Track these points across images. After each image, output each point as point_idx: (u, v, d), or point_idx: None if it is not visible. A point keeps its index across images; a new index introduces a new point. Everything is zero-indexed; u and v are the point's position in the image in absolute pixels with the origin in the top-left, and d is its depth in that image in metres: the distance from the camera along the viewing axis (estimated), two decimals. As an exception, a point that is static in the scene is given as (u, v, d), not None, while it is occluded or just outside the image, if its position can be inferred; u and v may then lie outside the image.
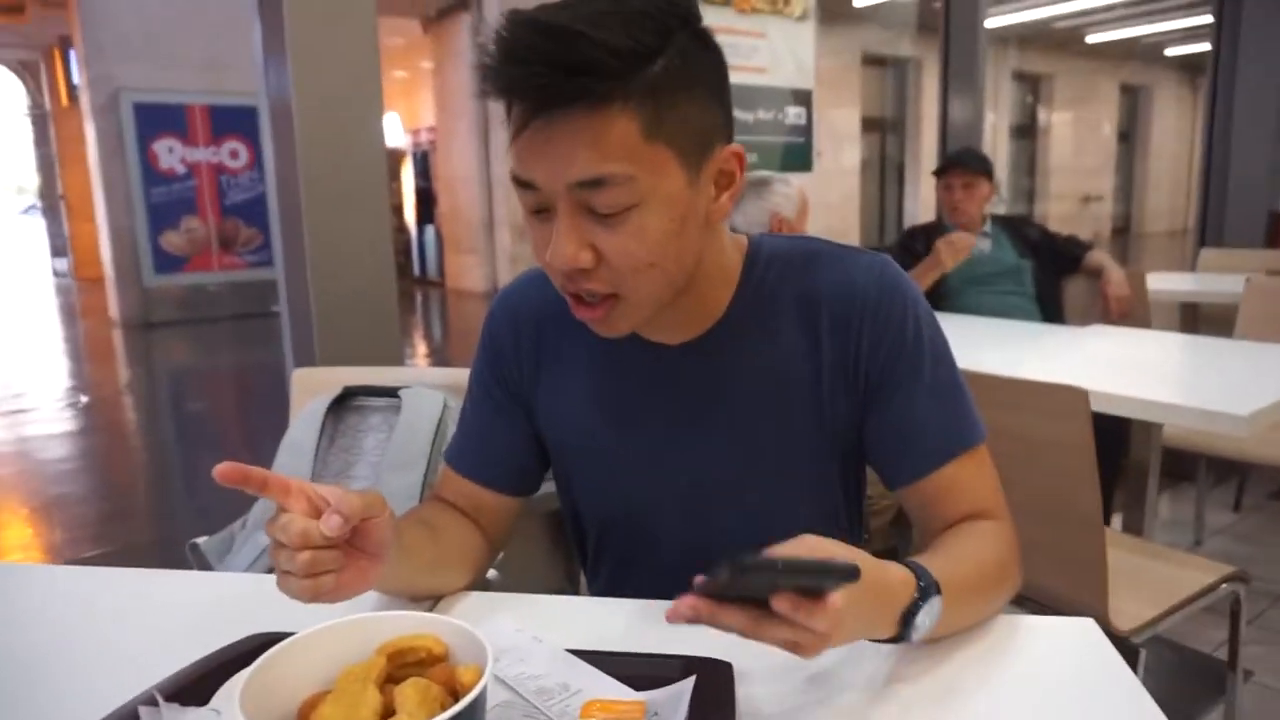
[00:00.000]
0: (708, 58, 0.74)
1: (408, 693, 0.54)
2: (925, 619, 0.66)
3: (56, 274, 13.66)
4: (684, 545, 0.90)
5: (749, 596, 0.56)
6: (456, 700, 0.53)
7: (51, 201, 13.69)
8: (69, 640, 0.82)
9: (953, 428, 0.84)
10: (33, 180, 17.09)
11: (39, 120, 13.61)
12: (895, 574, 0.66)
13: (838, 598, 0.56)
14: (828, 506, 0.91)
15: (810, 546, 0.60)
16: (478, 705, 0.53)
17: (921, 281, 2.73)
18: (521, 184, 0.72)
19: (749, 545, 0.55)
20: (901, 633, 0.65)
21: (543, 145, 0.69)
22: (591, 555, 1.00)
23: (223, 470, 0.61)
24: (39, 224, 15.99)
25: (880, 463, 0.88)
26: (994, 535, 0.82)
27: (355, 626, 0.62)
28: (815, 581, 0.55)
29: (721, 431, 0.86)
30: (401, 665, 0.60)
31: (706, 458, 0.87)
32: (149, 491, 4.18)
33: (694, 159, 0.73)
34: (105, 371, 7.09)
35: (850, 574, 0.55)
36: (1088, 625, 0.78)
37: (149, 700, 0.61)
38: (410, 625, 0.62)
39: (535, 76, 0.66)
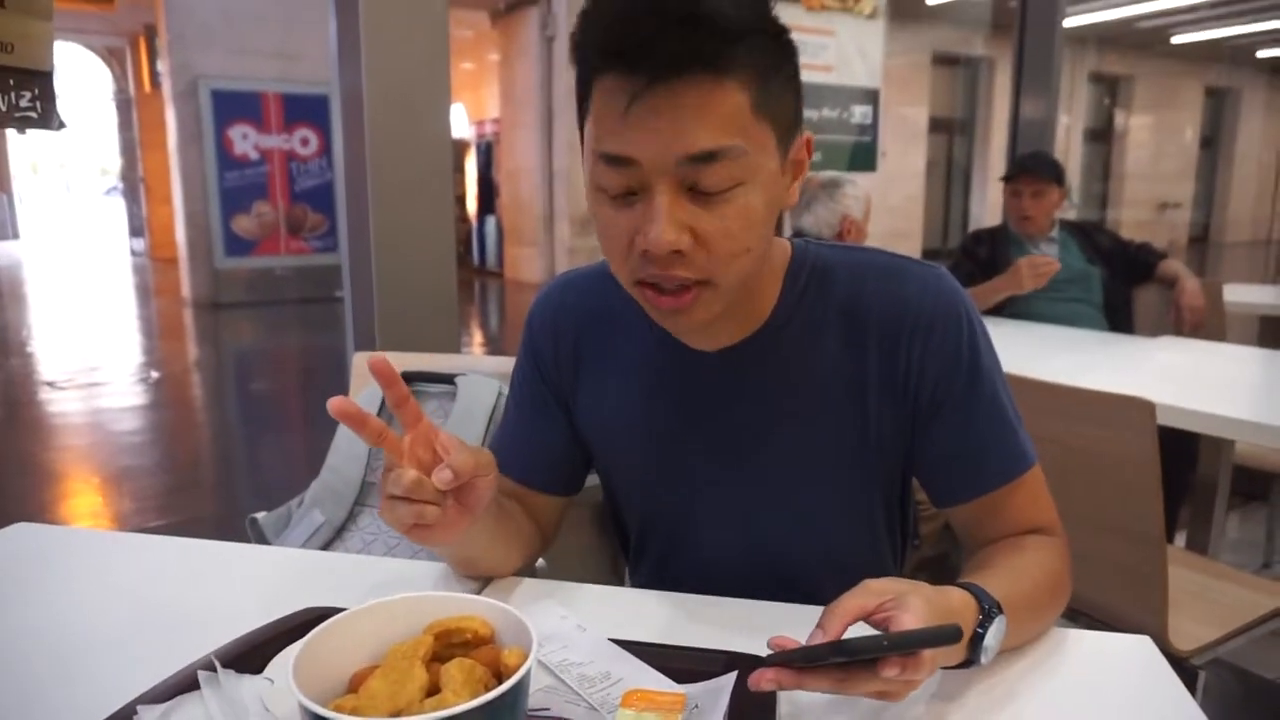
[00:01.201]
0: (790, 42, 0.73)
1: (453, 672, 0.55)
2: (993, 640, 0.64)
3: (134, 254, 14.18)
4: (724, 546, 0.90)
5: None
6: (500, 682, 0.54)
7: (132, 184, 14.20)
8: (133, 604, 0.85)
9: (1006, 453, 0.81)
10: (115, 163, 17.74)
11: (123, 105, 14.12)
12: (957, 599, 0.65)
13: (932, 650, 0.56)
14: (871, 516, 0.89)
15: (877, 591, 0.60)
16: (521, 688, 0.54)
17: (992, 297, 2.68)
18: (617, 161, 0.68)
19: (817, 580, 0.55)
20: (970, 657, 0.64)
21: (651, 117, 0.65)
22: (633, 551, 1.00)
23: (339, 404, 0.63)
24: (120, 205, 16.59)
25: (929, 482, 0.86)
26: (1048, 549, 0.80)
27: (406, 605, 0.63)
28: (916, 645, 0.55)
29: (759, 441, 0.84)
30: (448, 645, 0.61)
31: (743, 467, 0.86)
32: (213, 467, 4.32)
33: (785, 141, 0.72)
34: (176, 349, 7.34)
35: (953, 636, 0.54)
36: (1144, 643, 0.76)
37: (208, 666, 0.63)
38: (458, 607, 0.63)
39: (648, 39, 0.64)
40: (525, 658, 0.55)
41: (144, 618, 0.82)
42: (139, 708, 0.58)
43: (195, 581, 0.91)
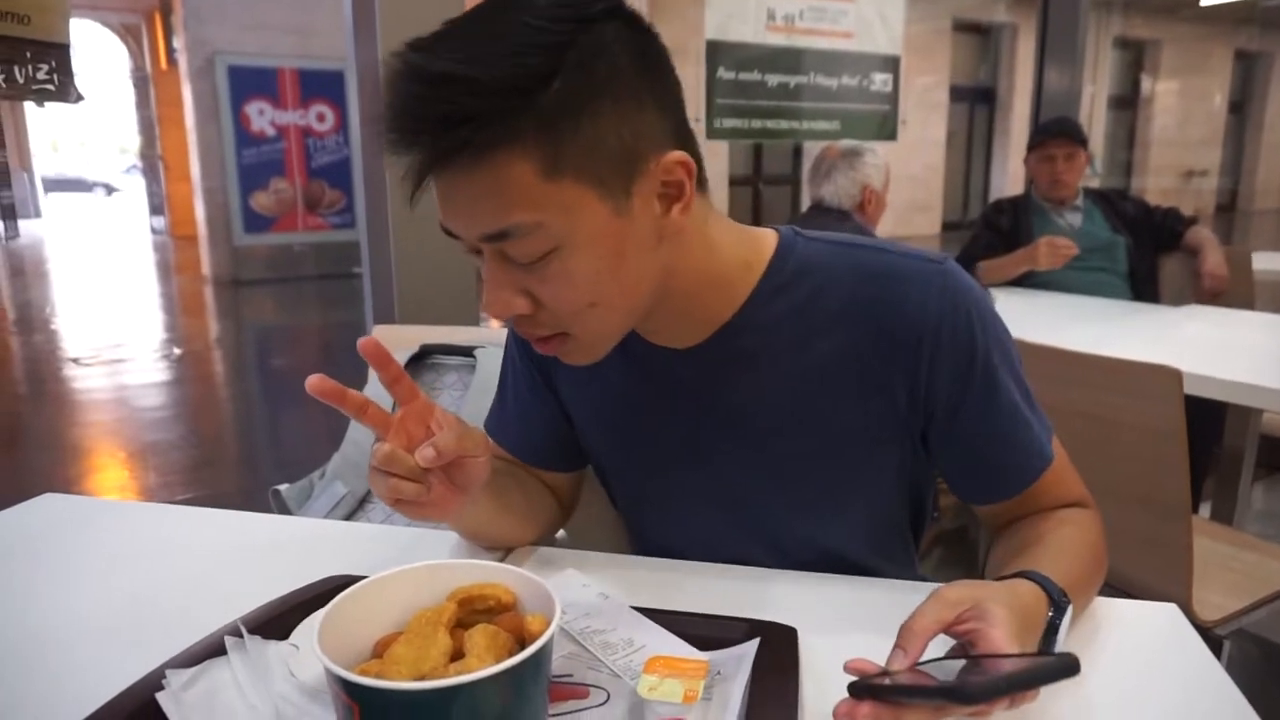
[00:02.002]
0: (627, 56, 0.63)
1: (477, 638, 0.56)
2: (1064, 632, 0.62)
3: (154, 231, 14.29)
4: (723, 531, 0.87)
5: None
6: (523, 648, 0.54)
7: (151, 162, 14.28)
8: (159, 573, 0.87)
9: (1025, 457, 0.79)
10: (134, 141, 17.82)
11: (140, 83, 14.16)
12: (1029, 595, 0.63)
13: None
14: (878, 508, 0.85)
15: (953, 601, 0.58)
16: (544, 654, 0.54)
17: (1011, 270, 2.65)
18: (446, 231, 0.67)
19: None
20: (1043, 649, 0.62)
21: (444, 199, 0.64)
22: (634, 534, 0.99)
23: (316, 382, 0.63)
24: (139, 183, 16.69)
25: (951, 480, 0.83)
26: (1088, 524, 0.79)
27: (429, 572, 0.64)
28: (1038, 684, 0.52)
29: (742, 436, 0.81)
30: (471, 611, 0.61)
31: (729, 462, 0.82)
32: (236, 441, 4.37)
33: (617, 184, 0.64)
34: (197, 326, 7.41)
35: (1072, 669, 0.50)
36: (1172, 611, 0.75)
37: (234, 631, 0.64)
38: (482, 574, 0.63)
39: (413, 134, 0.60)
40: (548, 624, 0.55)
41: (169, 586, 0.83)
42: (167, 672, 0.59)
43: (220, 551, 0.92)
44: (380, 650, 0.59)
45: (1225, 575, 1.53)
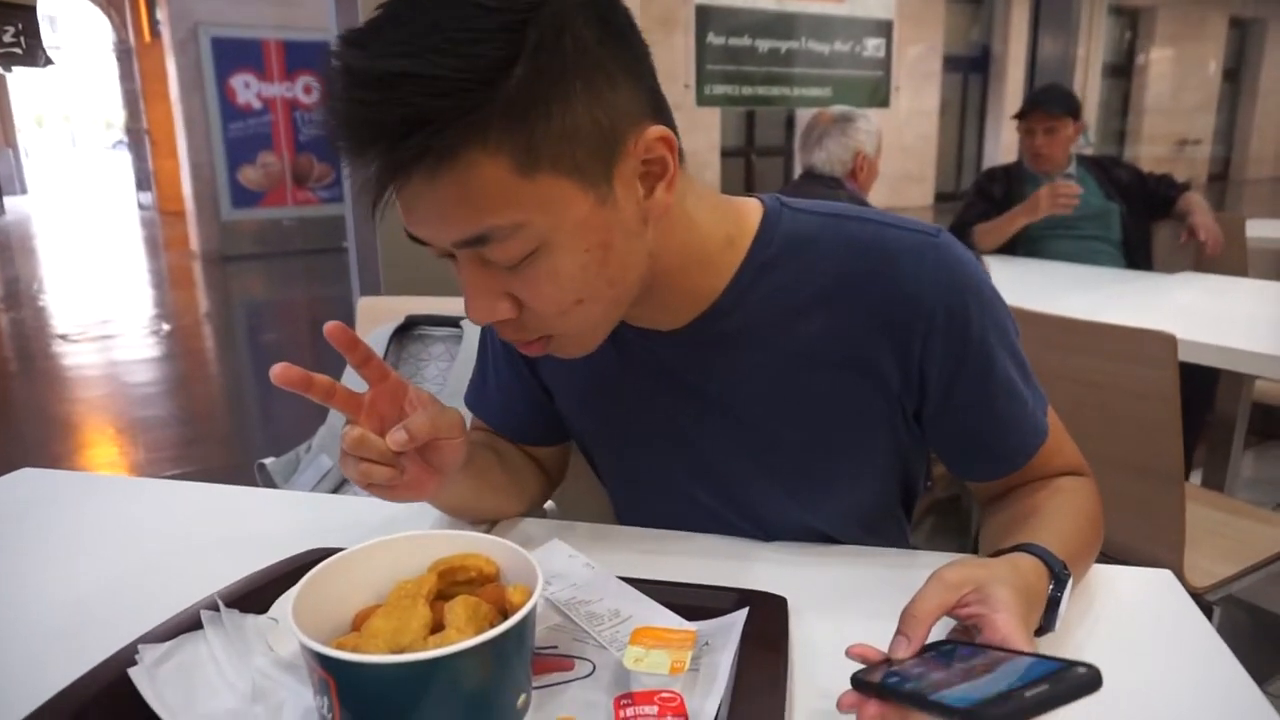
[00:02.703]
0: (590, 26, 0.57)
1: (457, 610, 0.54)
2: (1064, 605, 0.61)
3: (141, 207, 14.13)
4: (710, 514, 0.85)
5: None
6: (505, 620, 0.53)
7: (136, 136, 14.09)
8: (138, 547, 0.85)
9: (1022, 434, 0.77)
10: (119, 115, 17.60)
11: (124, 55, 13.93)
12: (1031, 571, 0.61)
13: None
14: (871, 478, 0.82)
15: (954, 583, 0.56)
16: (526, 625, 0.53)
17: (1008, 228, 2.63)
18: (413, 239, 0.62)
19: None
20: (1043, 624, 0.61)
21: (413, 207, 0.58)
22: (619, 512, 0.97)
23: (280, 371, 0.59)
24: (125, 158, 16.51)
25: (946, 458, 0.81)
26: (1084, 492, 0.78)
27: (409, 543, 0.62)
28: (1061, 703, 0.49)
29: (730, 416, 0.78)
30: (453, 583, 0.60)
31: (717, 442, 0.80)
32: (226, 417, 4.35)
33: (597, 171, 0.59)
34: (185, 302, 7.35)
35: (1095, 683, 0.47)
36: (1167, 577, 0.75)
37: (211, 606, 0.63)
38: (463, 544, 0.62)
39: (369, 142, 0.54)
40: (530, 595, 0.54)
41: (149, 561, 0.82)
42: (140, 647, 0.57)
43: (201, 525, 0.91)
44: (359, 623, 0.57)
45: (1216, 541, 1.53)
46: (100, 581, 0.78)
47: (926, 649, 0.55)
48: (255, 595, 0.66)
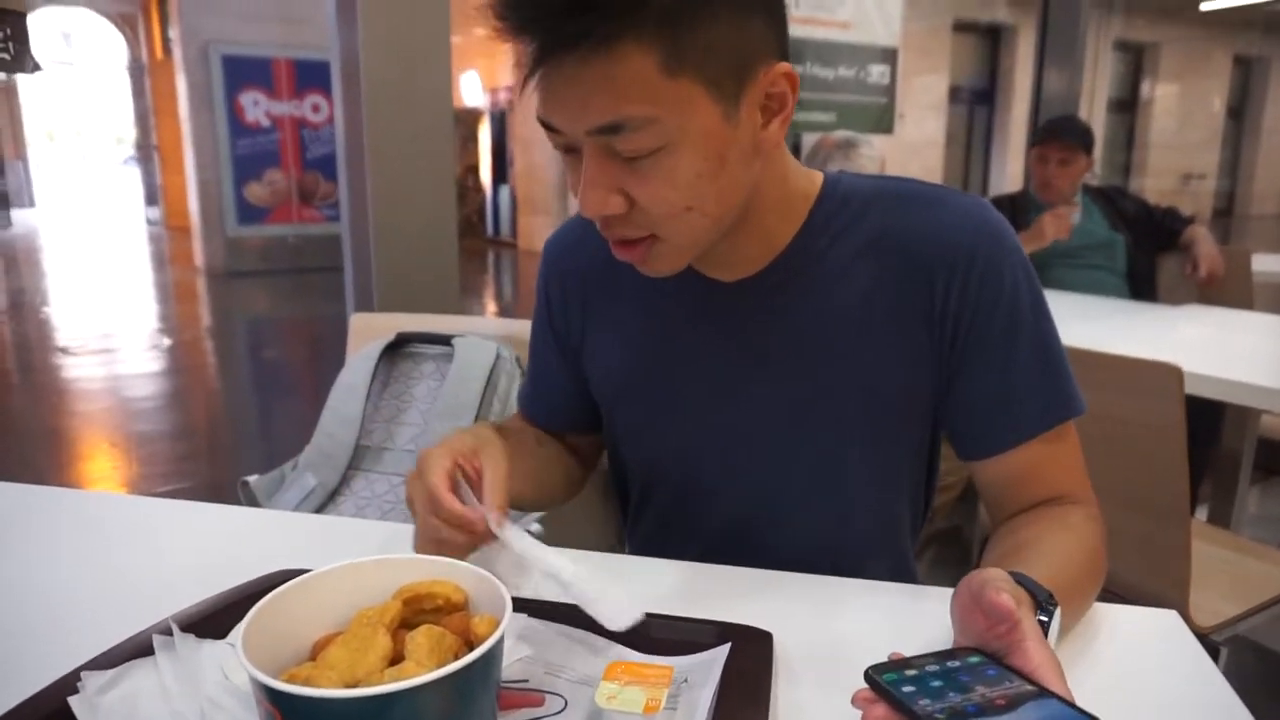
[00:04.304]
0: None
1: (419, 640, 0.51)
2: (1054, 636, 0.58)
3: (149, 223, 14.19)
4: (728, 508, 0.85)
5: None
6: (472, 651, 0.50)
7: (146, 152, 14.18)
8: (101, 566, 0.81)
9: (1050, 397, 0.76)
10: (130, 132, 17.73)
11: (136, 72, 14.06)
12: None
13: None
14: (892, 475, 0.83)
15: (1011, 593, 0.54)
16: (491, 657, 0.50)
17: None
18: (546, 125, 0.66)
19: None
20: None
21: (555, 90, 0.63)
22: (632, 513, 0.96)
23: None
24: (135, 174, 16.59)
25: (963, 429, 0.79)
26: (1085, 525, 0.75)
27: (376, 568, 0.59)
28: None
29: (777, 375, 0.79)
30: (419, 611, 0.57)
31: (759, 403, 0.80)
32: (222, 432, 4.32)
33: (729, 88, 0.64)
34: (188, 316, 7.35)
35: None
36: (1172, 618, 0.71)
37: (165, 630, 0.60)
38: (431, 570, 0.59)
39: (532, 20, 0.60)
40: (496, 625, 0.51)
41: (108, 582, 0.78)
42: (83, 674, 0.54)
43: (170, 544, 0.87)
44: (317, 652, 0.54)
45: (1222, 580, 1.49)
46: (52, 603, 0.74)
47: (954, 654, 0.53)
48: (214, 619, 0.63)
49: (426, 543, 0.69)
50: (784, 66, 0.67)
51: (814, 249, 0.78)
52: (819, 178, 0.80)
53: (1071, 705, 0.48)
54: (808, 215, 0.78)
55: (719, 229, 0.71)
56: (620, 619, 0.58)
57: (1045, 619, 0.58)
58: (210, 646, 0.60)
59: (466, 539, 0.67)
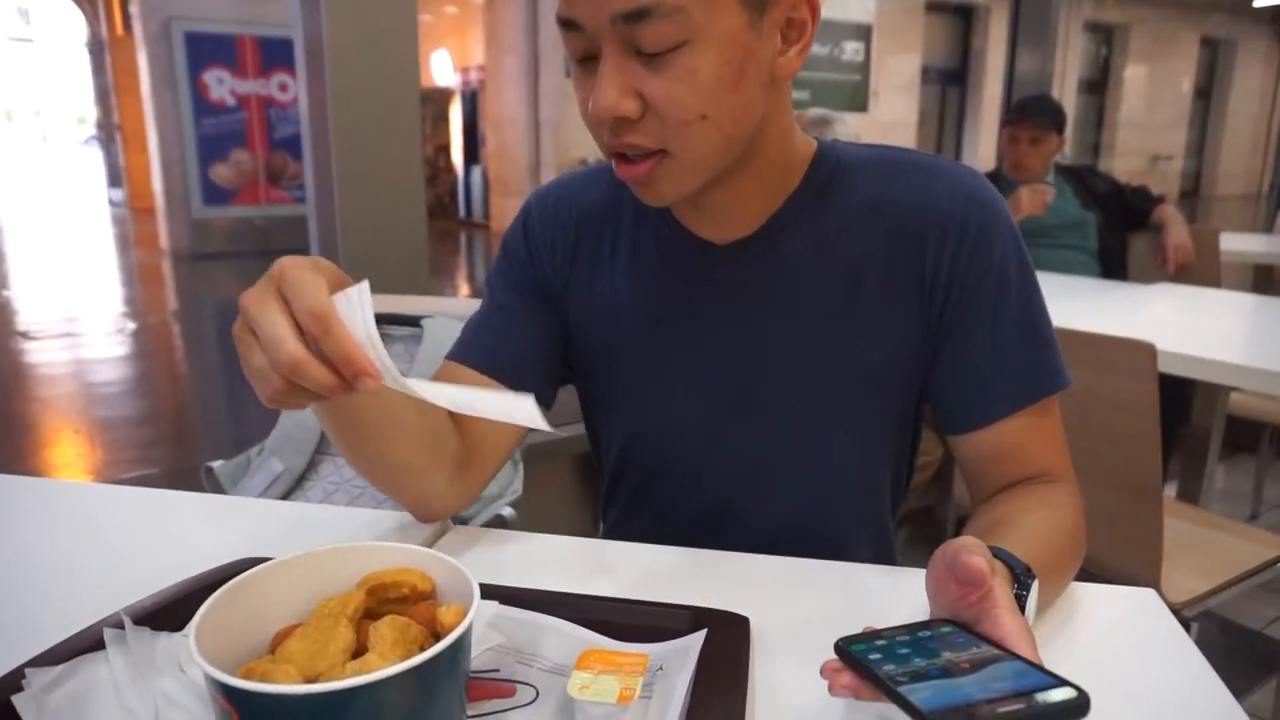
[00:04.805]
0: None
1: (382, 631, 0.49)
2: (1031, 609, 0.58)
3: (112, 204, 13.89)
4: (703, 481, 0.83)
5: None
6: (438, 642, 0.48)
7: (108, 132, 13.86)
8: (55, 557, 0.78)
9: (1036, 370, 0.75)
10: (91, 111, 17.31)
11: (96, 49, 13.71)
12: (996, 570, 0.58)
13: None
14: (874, 448, 0.82)
15: (986, 557, 0.53)
16: (459, 648, 0.48)
17: None
18: (567, 25, 0.65)
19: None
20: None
21: None
22: (606, 489, 0.94)
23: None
24: (97, 154, 16.23)
25: (947, 401, 0.78)
26: (1067, 503, 0.74)
27: (339, 555, 0.57)
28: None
29: (765, 339, 0.78)
30: (384, 601, 0.55)
31: (745, 367, 0.79)
32: (189, 417, 4.25)
33: None
34: (153, 299, 7.21)
35: (1084, 709, 0.43)
36: (1149, 596, 0.71)
37: (117, 623, 0.57)
38: (396, 558, 0.56)
39: None
40: (464, 614, 0.49)
41: (65, 573, 0.75)
42: (27, 671, 0.51)
43: (127, 534, 0.84)
44: (277, 645, 0.52)
45: (1193, 556, 1.50)
46: (6, 594, 0.71)
47: (926, 625, 0.52)
48: (169, 610, 0.61)
49: (279, 387, 0.54)
50: None
51: (805, 213, 0.77)
52: (814, 144, 0.79)
53: (1036, 666, 0.47)
54: (801, 180, 0.77)
55: (730, 151, 0.69)
56: (518, 412, 0.57)
57: (1023, 592, 0.57)
58: (166, 639, 0.57)
59: (335, 385, 0.53)
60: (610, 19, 0.62)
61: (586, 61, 0.66)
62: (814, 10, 0.69)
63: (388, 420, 0.72)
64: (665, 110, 0.65)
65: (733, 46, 0.64)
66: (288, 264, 0.56)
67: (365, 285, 0.55)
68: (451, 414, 0.80)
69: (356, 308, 0.54)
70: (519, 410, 0.58)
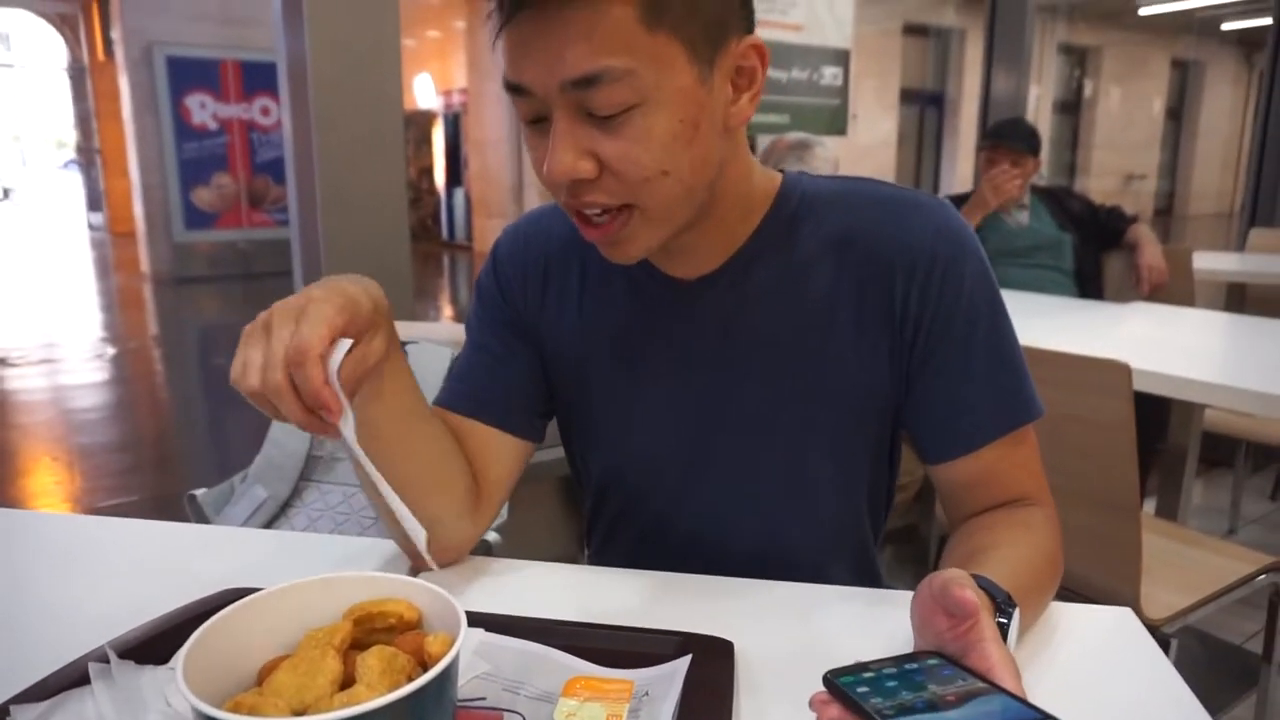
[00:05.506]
0: None
1: (370, 662, 0.49)
2: (1013, 637, 0.59)
3: (92, 228, 13.81)
4: (683, 509, 0.84)
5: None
6: (426, 671, 0.48)
7: (88, 156, 13.80)
8: (34, 590, 0.78)
9: (1009, 401, 0.76)
10: (71, 135, 17.22)
11: (77, 75, 13.67)
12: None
13: None
14: (853, 475, 0.82)
15: (974, 590, 0.54)
16: (446, 678, 0.48)
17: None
18: (514, 89, 0.65)
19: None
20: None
21: (530, 41, 0.62)
22: (589, 515, 0.94)
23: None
24: (77, 179, 16.14)
25: (923, 433, 0.79)
26: (1043, 528, 0.75)
27: (324, 586, 0.57)
28: None
29: (738, 370, 0.78)
30: (371, 631, 0.55)
31: (720, 397, 0.79)
32: (170, 444, 4.21)
33: (705, 52, 0.64)
34: (134, 325, 7.15)
35: None
36: (1125, 615, 0.72)
37: (101, 657, 0.57)
38: (382, 588, 0.57)
39: None
40: (451, 644, 0.49)
41: (47, 607, 0.75)
42: (12, 708, 0.51)
43: (109, 565, 0.84)
44: (264, 677, 0.52)
45: (1171, 572, 1.52)
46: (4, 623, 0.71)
47: (913, 657, 0.53)
48: (155, 644, 0.61)
49: (261, 391, 0.60)
50: (754, 39, 0.68)
51: (772, 247, 0.77)
52: (778, 177, 0.80)
53: (1021, 700, 0.48)
54: (766, 213, 0.78)
55: (692, 205, 0.70)
56: (417, 536, 0.65)
57: (1004, 620, 0.58)
58: (151, 673, 0.57)
59: (301, 417, 0.59)
60: (560, 85, 0.62)
61: (538, 123, 0.66)
62: (762, 57, 0.69)
63: (406, 435, 0.76)
64: (622, 170, 0.65)
65: (685, 104, 0.64)
66: (321, 288, 0.64)
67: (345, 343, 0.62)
68: (460, 443, 0.83)
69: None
70: (418, 536, 0.67)
